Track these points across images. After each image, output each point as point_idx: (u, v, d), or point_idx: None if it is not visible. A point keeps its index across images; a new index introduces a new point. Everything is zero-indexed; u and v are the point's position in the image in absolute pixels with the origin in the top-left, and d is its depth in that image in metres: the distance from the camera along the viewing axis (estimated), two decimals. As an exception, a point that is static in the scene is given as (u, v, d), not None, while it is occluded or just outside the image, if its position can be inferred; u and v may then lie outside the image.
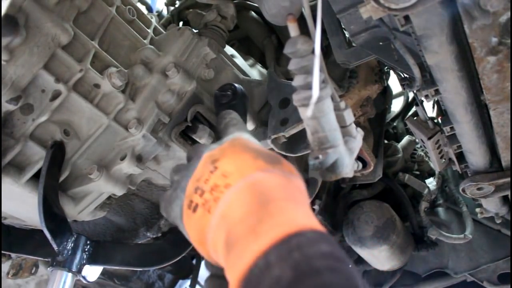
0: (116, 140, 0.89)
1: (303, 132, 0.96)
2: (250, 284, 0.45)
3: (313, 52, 0.64)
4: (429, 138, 1.07)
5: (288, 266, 0.44)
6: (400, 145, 1.77)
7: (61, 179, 0.86)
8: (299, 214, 0.51)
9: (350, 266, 0.46)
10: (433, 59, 0.73)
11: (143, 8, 1.35)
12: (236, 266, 0.48)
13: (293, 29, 0.65)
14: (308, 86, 0.67)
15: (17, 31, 0.72)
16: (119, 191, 0.89)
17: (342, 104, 0.74)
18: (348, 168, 0.76)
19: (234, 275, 0.48)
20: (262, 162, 0.59)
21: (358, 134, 0.78)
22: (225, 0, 1.08)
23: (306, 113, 0.68)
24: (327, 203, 1.59)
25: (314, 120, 0.69)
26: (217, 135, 0.94)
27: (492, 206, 1.22)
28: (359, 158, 1.09)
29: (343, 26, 0.95)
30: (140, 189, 1.03)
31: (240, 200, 0.54)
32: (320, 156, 0.71)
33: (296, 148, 0.94)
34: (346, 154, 0.74)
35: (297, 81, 0.69)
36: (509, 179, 1.01)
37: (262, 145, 0.68)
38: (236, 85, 0.89)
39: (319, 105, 0.67)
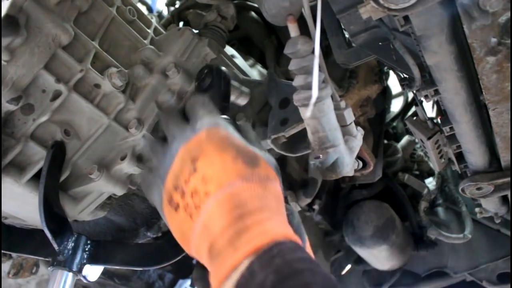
0: (116, 140, 0.89)
1: (303, 132, 0.96)
2: None
3: (313, 52, 0.64)
4: (429, 138, 1.07)
5: (271, 271, 0.49)
6: (399, 145, 1.77)
7: (62, 179, 0.86)
8: (274, 224, 0.56)
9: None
10: (432, 59, 0.74)
11: (143, 9, 1.35)
12: (217, 277, 0.54)
13: (293, 30, 0.65)
14: (309, 86, 0.67)
15: (17, 32, 0.72)
16: (119, 191, 0.89)
17: (342, 104, 0.74)
18: (349, 167, 0.76)
19: (216, 284, 0.54)
20: (242, 165, 0.60)
21: (358, 133, 0.78)
22: (225, 0, 1.08)
23: (306, 113, 0.68)
24: (327, 203, 1.60)
25: (314, 120, 0.69)
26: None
27: (491, 206, 1.22)
28: (359, 158, 1.10)
29: (343, 27, 0.95)
30: (140, 189, 1.03)
31: (219, 212, 0.57)
32: (321, 156, 0.72)
33: (296, 148, 0.94)
34: (347, 153, 0.74)
35: (297, 81, 0.69)
36: (508, 179, 1.01)
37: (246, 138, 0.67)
38: (212, 65, 0.85)
39: (319, 105, 0.68)
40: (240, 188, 0.58)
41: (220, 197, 0.58)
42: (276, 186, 0.63)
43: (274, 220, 0.57)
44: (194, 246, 0.61)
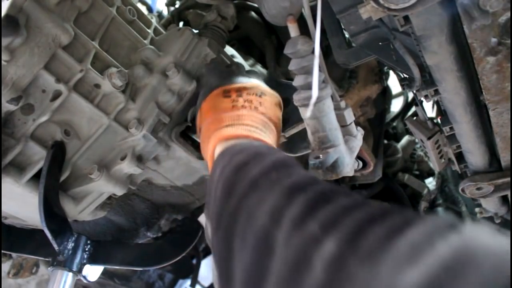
0: (116, 140, 0.89)
1: (303, 132, 0.96)
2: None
3: (313, 52, 0.64)
4: (429, 138, 1.07)
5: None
6: (399, 145, 1.77)
7: (62, 179, 0.86)
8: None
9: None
10: (432, 59, 0.74)
11: (143, 9, 1.35)
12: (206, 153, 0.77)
13: (293, 30, 0.65)
14: (309, 86, 0.67)
15: (17, 32, 0.72)
16: (119, 191, 0.89)
17: (342, 104, 0.74)
18: (349, 167, 0.76)
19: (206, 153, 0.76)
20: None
21: (359, 133, 0.78)
22: (225, 0, 1.08)
23: (306, 113, 0.68)
24: (327, 203, 1.59)
25: (314, 120, 0.69)
26: None
27: (491, 206, 1.22)
28: (359, 158, 1.10)
29: (343, 27, 0.95)
30: (140, 189, 1.03)
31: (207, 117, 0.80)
32: (321, 156, 0.72)
33: (296, 148, 0.94)
34: (347, 153, 0.74)
35: (297, 81, 0.69)
36: (508, 179, 1.01)
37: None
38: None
39: (319, 105, 0.68)
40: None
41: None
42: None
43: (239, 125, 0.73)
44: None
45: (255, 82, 0.84)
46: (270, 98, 0.82)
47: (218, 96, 0.81)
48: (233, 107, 0.77)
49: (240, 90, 0.80)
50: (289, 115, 0.96)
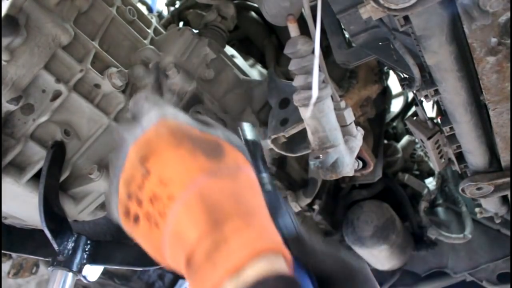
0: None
1: (303, 132, 0.96)
2: None
3: (313, 52, 0.64)
4: (429, 138, 1.07)
5: None
6: (399, 145, 1.77)
7: (62, 179, 0.86)
8: (254, 234, 0.49)
9: None
10: (432, 59, 0.74)
11: (143, 9, 1.35)
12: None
13: (293, 30, 0.65)
14: (309, 86, 0.68)
15: (17, 32, 0.72)
16: (119, 191, 0.89)
17: (342, 104, 0.74)
18: (349, 167, 0.76)
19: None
20: (203, 158, 0.52)
21: (358, 133, 0.78)
22: (225, 0, 1.08)
23: (306, 113, 0.68)
24: (327, 203, 1.60)
25: (314, 120, 0.69)
26: None
27: (491, 206, 1.22)
28: (359, 158, 1.10)
29: (343, 27, 0.95)
30: (140, 189, 1.03)
31: (190, 217, 0.49)
32: (321, 156, 0.72)
33: (296, 148, 0.94)
34: (347, 153, 0.75)
35: (297, 81, 0.69)
36: (508, 179, 1.01)
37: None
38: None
39: (319, 105, 0.68)
40: (207, 186, 0.50)
41: (187, 198, 0.50)
42: (248, 173, 0.55)
43: (252, 228, 0.49)
44: (170, 258, 0.53)
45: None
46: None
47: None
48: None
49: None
50: (289, 115, 0.96)
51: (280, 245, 0.49)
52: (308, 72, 0.67)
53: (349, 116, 0.75)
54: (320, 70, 0.70)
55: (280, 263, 0.47)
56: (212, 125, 0.59)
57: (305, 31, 0.67)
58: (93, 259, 0.94)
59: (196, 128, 0.56)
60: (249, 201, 0.52)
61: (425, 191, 1.64)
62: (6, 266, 1.41)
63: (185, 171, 0.51)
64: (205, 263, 0.47)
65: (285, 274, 0.46)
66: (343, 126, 0.75)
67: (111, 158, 0.60)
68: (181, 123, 0.56)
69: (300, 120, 0.96)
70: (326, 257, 0.56)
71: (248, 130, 0.66)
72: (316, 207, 1.49)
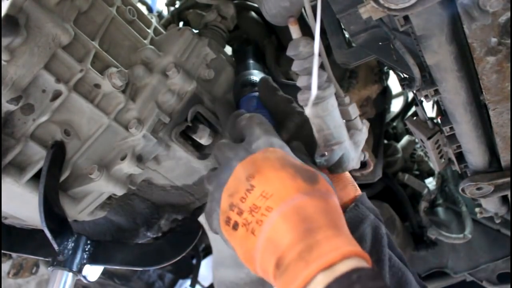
0: (116, 140, 0.89)
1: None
2: None
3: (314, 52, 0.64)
4: (429, 138, 1.07)
5: None
6: (399, 145, 1.77)
7: (62, 179, 0.86)
8: (343, 241, 0.55)
9: None
10: (432, 59, 0.74)
11: (143, 9, 1.35)
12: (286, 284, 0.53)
13: (294, 31, 0.65)
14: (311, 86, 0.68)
15: (17, 31, 0.72)
16: (119, 191, 0.89)
17: (347, 99, 0.75)
18: (354, 161, 0.78)
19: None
20: (301, 182, 0.59)
21: (364, 126, 0.79)
22: (225, 0, 1.08)
23: (308, 112, 0.69)
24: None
25: (319, 119, 0.70)
26: (221, 132, 0.95)
27: (491, 206, 1.22)
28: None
29: (343, 27, 0.95)
30: (140, 189, 1.03)
31: (285, 225, 0.55)
32: (326, 153, 0.73)
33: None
34: (352, 148, 0.75)
35: (300, 82, 0.70)
36: (508, 179, 1.01)
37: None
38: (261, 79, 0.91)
39: (323, 104, 0.68)
40: (303, 202, 0.57)
41: (285, 210, 0.56)
42: (336, 201, 0.62)
43: (343, 237, 0.56)
44: (259, 263, 0.59)
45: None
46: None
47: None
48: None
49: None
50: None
51: (365, 253, 0.55)
52: (311, 72, 0.67)
53: (354, 111, 0.76)
54: (323, 69, 0.70)
55: (365, 264, 0.53)
56: (307, 160, 0.69)
57: (305, 31, 0.67)
58: (93, 259, 0.94)
59: (297, 159, 0.65)
60: (337, 221, 0.59)
61: (425, 191, 1.64)
62: (6, 266, 1.41)
63: (285, 188, 0.59)
64: (297, 262, 0.53)
65: (371, 269, 0.53)
66: (348, 121, 0.75)
67: (210, 174, 0.69)
68: (286, 152, 0.66)
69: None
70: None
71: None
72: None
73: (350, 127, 0.76)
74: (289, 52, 0.67)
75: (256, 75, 0.97)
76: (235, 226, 0.60)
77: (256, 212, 0.58)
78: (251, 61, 1.04)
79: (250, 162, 0.63)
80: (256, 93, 0.92)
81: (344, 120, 0.74)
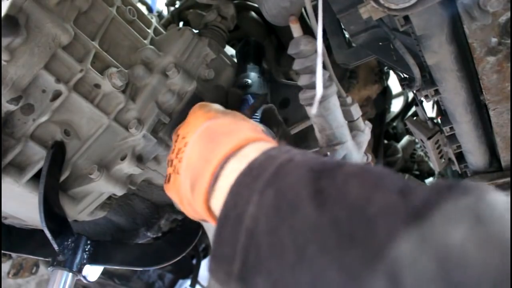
0: (116, 140, 0.89)
1: (303, 132, 0.96)
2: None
3: (316, 51, 0.64)
4: (429, 138, 1.07)
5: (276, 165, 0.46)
6: (399, 145, 1.77)
7: (62, 179, 0.86)
8: (246, 131, 0.55)
9: None
10: (432, 59, 0.74)
11: (143, 9, 1.35)
12: (199, 195, 0.51)
13: (295, 30, 0.65)
14: (313, 85, 0.68)
15: (17, 32, 0.72)
16: (119, 191, 0.89)
17: (349, 100, 0.74)
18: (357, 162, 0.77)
19: (199, 203, 0.51)
20: (214, 113, 0.63)
21: (366, 128, 0.78)
22: (225, 0, 1.08)
23: (311, 111, 0.69)
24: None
25: (321, 118, 0.70)
26: None
27: (491, 206, 1.22)
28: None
29: (343, 27, 0.95)
30: (140, 189, 1.03)
31: (194, 147, 0.57)
32: (328, 153, 0.72)
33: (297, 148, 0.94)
34: (354, 149, 0.75)
35: (302, 81, 0.69)
36: (508, 179, 1.01)
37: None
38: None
39: (325, 103, 0.68)
40: (211, 124, 0.59)
41: (195, 137, 0.58)
42: (253, 125, 0.61)
43: (246, 131, 0.55)
44: (183, 196, 0.58)
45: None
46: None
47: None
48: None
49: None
50: (289, 115, 0.96)
51: (270, 138, 0.56)
52: (312, 71, 0.67)
53: (356, 111, 0.75)
54: (325, 68, 0.70)
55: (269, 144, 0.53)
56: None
57: (305, 31, 0.67)
58: (93, 259, 0.94)
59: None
60: (245, 127, 0.58)
61: (425, 191, 1.64)
62: (6, 266, 1.41)
63: (197, 121, 0.62)
64: (203, 167, 0.52)
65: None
66: (351, 121, 0.75)
67: None
68: (215, 105, 0.69)
69: (300, 119, 0.96)
70: None
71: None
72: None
73: (352, 128, 0.75)
74: (290, 51, 0.67)
75: (251, 78, 0.98)
76: (169, 179, 0.63)
77: (179, 153, 0.60)
78: (249, 65, 1.05)
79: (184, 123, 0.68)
80: (248, 95, 0.93)
81: (347, 121, 0.74)
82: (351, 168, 0.41)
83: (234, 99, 0.92)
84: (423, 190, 0.35)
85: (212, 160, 0.50)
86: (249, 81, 0.96)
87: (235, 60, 1.10)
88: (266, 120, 0.84)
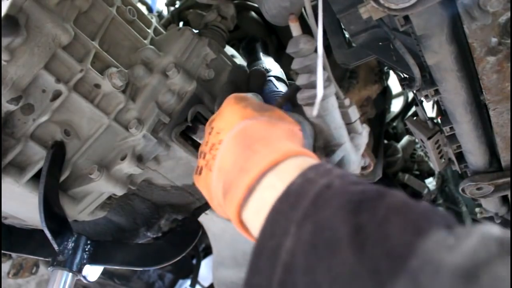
0: (116, 140, 0.89)
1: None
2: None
3: (315, 51, 0.64)
4: (429, 138, 1.07)
5: (326, 181, 0.45)
6: (400, 145, 1.77)
7: (62, 179, 0.86)
8: (285, 143, 0.53)
9: None
10: (432, 59, 0.74)
11: (143, 9, 1.35)
12: (231, 204, 0.51)
13: (295, 29, 0.65)
14: (312, 85, 0.67)
15: (17, 32, 0.72)
16: (119, 191, 0.89)
17: (347, 102, 0.74)
18: (355, 164, 0.77)
19: (232, 212, 0.51)
20: (251, 111, 0.60)
21: (364, 130, 0.78)
22: (225, 0, 1.08)
23: (310, 112, 0.68)
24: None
25: (319, 119, 0.69)
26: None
27: (491, 206, 1.22)
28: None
29: (343, 26, 0.95)
30: (140, 189, 1.03)
31: (229, 149, 0.56)
32: (327, 155, 0.72)
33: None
34: (352, 151, 0.75)
35: (300, 80, 0.69)
36: (508, 179, 1.01)
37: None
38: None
39: (323, 104, 0.68)
40: (248, 125, 0.57)
41: (230, 137, 0.57)
42: (289, 125, 0.60)
43: (285, 141, 0.54)
44: (214, 196, 0.58)
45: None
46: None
47: None
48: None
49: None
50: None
51: (310, 152, 0.54)
52: (311, 70, 0.67)
53: (354, 113, 0.75)
54: (324, 68, 0.70)
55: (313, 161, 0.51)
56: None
57: (305, 30, 0.67)
58: (93, 259, 0.94)
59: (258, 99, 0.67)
60: (282, 134, 0.57)
61: (425, 191, 1.64)
62: (6, 266, 1.41)
63: (233, 118, 0.59)
64: (238, 176, 0.51)
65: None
66: (348, 123, 0.75)
67: None
68: (249, 95, 0.67)
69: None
70: None
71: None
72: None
73: (350, 130, 0.75)
74: (289, 50, 0.67)
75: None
76: (200, 171, 0.62)
77: (213, 149, 0.59)
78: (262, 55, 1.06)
79: (216, 113, 0.67)
80: (272, 77, 0.91)
81: (344, 123, 0.74)
82: (391, 200, 0.39)
83: (256, 79, 0.89)
84: (471, 243, 0.32)
85: (248, 171, 0.49)
86: (267, 67, 0.96)
87: (235, 60, 1.10)
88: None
